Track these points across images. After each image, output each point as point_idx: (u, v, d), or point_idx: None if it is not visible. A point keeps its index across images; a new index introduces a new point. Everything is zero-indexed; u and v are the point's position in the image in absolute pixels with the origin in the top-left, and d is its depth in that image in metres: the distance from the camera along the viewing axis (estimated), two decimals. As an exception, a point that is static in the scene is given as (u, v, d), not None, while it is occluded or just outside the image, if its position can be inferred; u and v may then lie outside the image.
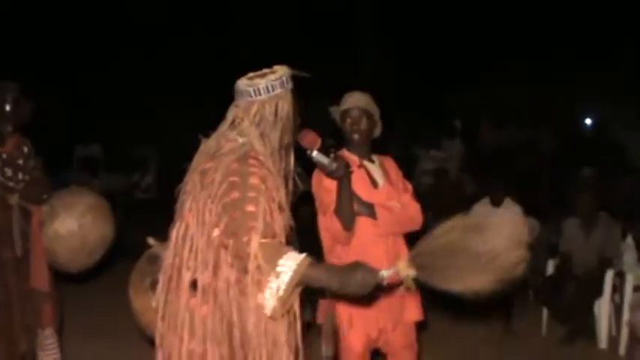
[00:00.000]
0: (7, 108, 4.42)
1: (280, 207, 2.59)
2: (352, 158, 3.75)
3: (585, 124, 18.49)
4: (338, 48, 18.38)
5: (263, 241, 2.41)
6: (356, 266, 2.45)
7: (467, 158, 11.48)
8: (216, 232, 2.55)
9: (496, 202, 7.22)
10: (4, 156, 4.47)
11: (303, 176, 4.78)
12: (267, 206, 2.49)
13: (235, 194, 2.50)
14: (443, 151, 10.34)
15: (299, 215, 2.89)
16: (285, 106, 2.72)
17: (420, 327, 4.02)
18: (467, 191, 9.24)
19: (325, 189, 3.63)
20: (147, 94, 16.87)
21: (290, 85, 2.75)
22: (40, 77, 12.89)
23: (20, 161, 4.55)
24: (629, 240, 6.70)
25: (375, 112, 3.85)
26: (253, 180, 2.51)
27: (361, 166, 3.79)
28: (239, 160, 2.57)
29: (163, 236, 2.87)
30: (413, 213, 3.82)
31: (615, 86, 16.63)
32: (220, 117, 2.86)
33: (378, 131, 3.91)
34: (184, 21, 17.86)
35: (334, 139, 3.91)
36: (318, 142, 3.16)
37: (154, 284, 2.75)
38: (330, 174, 3.32)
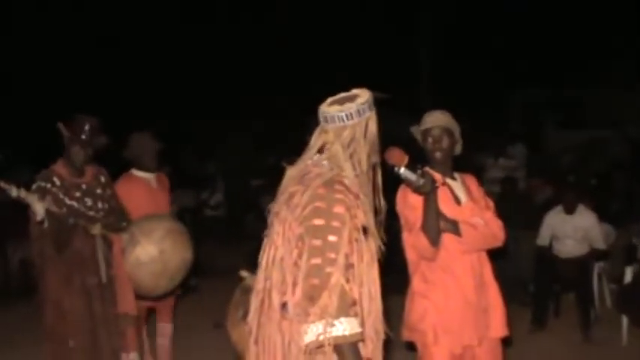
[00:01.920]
0: (84, 134, 4.51)
1: (367, 231, 2.63)
2: (435, 176, 3.72)
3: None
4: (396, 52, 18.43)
5: (345, 285, 2.50)
6: None
7: (532, 163, 11.30)
8: (295, 253, 2.59)
9: (569, 210, 7.13)
10: (84, 187, 4.59)
11: None
12: (349, 238, 2.54)
13: (319, 221, 2.54)
14: (511, 159, 10.20)
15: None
16: (374, 127, 2.78)
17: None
18: (537, 199, 9.10)
19: (411, 206, 3.66)
20: (204, 112, 17.19)
21: (375, 107, 2.80)
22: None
23: (99, 190, 4.67)
24: None
25: (456, 129, 3.88)
26: (338, 209, 2.55)
27: (444, 183, 3.81)
28: (326, 185, 2.61)
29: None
30: (495, 230, 3.83)
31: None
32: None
33: (459, 148, 3.94)
34: (235, 39, 18.17)
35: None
36: (406, 159, 3.21)
37: (245, 314, 2.80)
38: (417, 189, 3.36)
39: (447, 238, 3.66)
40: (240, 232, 11.00)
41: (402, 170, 3.21)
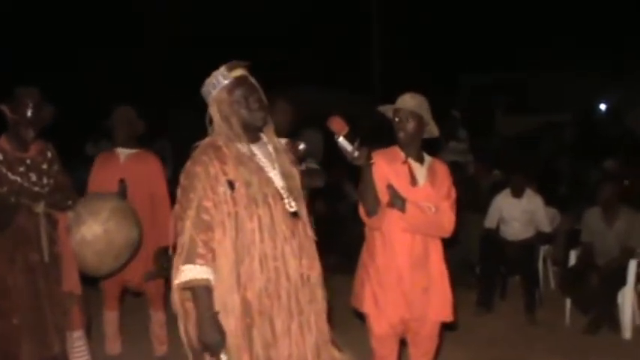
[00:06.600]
0: (29, 114, 4.39)
1: (234, 185, 2.89)
2: (399, 154, 3.91)
3: (599, 109, 18.36)
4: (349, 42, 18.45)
5: (194, 236, 2.81)
6: (217, 334, 2.80)
7: (480, 147, 11.34)
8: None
9: (517, 193, 7.22)
10: (28, 161, 4.47)
11: (320, 172, 4.81)
12: (203, 193, 2.85)
13: (183, 180, 2.94)
14: (461, 142, 10.18)
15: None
16: (223, 95, 2.98)
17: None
18: (484, 183, 9.16)
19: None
20: (149, 87, 17.00)
21: (231, 74, 2.99)
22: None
23: (44, 166, 4.55)
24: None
25: (425, 113, 3.90)
26: (197, 168, 2.90)
27: (405, 162, 3.88)
28: (198, 149, 2.98)
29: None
30: (444, 220, 3.89)
31: (628, 69, 16.56)
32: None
33: (434, 132, 3.99)
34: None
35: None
36: (346, 129, 3.41)
37: None
38: (352, 160, 3.51)
39: (391, 214, 3.78)
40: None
41: (340, 139, 3.43)
